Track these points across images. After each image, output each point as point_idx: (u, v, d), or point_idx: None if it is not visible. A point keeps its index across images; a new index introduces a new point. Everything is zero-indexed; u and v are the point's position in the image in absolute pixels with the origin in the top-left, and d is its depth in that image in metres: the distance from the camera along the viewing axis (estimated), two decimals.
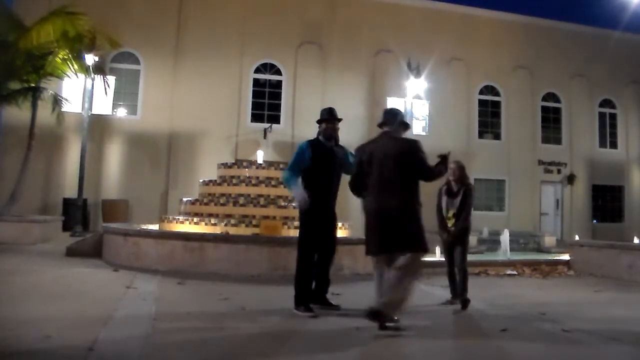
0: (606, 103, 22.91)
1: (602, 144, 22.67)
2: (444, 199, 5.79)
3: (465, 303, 5.43)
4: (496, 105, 21.49)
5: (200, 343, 3.78)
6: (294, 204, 8.91)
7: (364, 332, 4.13)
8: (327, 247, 5.13)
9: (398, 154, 4.36)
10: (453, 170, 5.72)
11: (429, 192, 5.17)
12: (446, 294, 5.83)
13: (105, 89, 14.32)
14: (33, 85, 13.15)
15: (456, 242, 5.68)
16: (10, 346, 3.40)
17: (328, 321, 4.63)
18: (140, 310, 4.75)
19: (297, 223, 8.48)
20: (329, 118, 5.25)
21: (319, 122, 5.33)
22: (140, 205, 16.55)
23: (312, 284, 5.06)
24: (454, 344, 4.16)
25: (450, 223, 5.69)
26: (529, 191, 21.05)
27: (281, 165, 10.18)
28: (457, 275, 5.64)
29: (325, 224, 5.09)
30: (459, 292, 5.55)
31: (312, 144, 5.19)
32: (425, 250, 4.34)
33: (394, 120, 4.60)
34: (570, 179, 21.49)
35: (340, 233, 7.70)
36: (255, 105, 18.90)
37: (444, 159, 4.49)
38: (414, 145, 4.41)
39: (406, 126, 4.73)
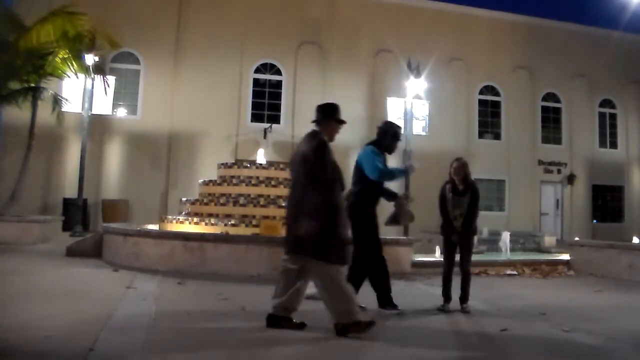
0: (606, 103, 22.91)
1: (602, 144, 22.68)
2: (450, 199, 5.53)
3: (465, 311, 5.29)
4: (496, 105, 21.49)
5: (200, 343, 3.78)
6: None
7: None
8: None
9: (302, 154, 4.27)
10: (457, 170, 5.49)
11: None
12: None
13: (105, 89, 14.33)
14: (33, 85, 13.14)
15: (463, 244, 5.52)
16: (10, 346, 3.40)
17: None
18: (140, 310, 4.75)
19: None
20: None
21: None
22: (140, 205, 16.56)
23: (389, 281, 5.26)
24: (454, 344, 4.16)
25: (456, 223, 5.49)
26: (529, 191, 21.05)
27: (281, 166, 10.16)
28: (460, 277, 5.45)
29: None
30: (461, 299, 5.38)
31: (376, 152, 5.29)
32: (321, 258, 4.04)
33: (321, 117, 4.42)
34: (570, 179, 21.50)
35: None
36: (255, 105, 18.91)
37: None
38: (311, 148, 4.18)
39: (339, 122, 4.42)
